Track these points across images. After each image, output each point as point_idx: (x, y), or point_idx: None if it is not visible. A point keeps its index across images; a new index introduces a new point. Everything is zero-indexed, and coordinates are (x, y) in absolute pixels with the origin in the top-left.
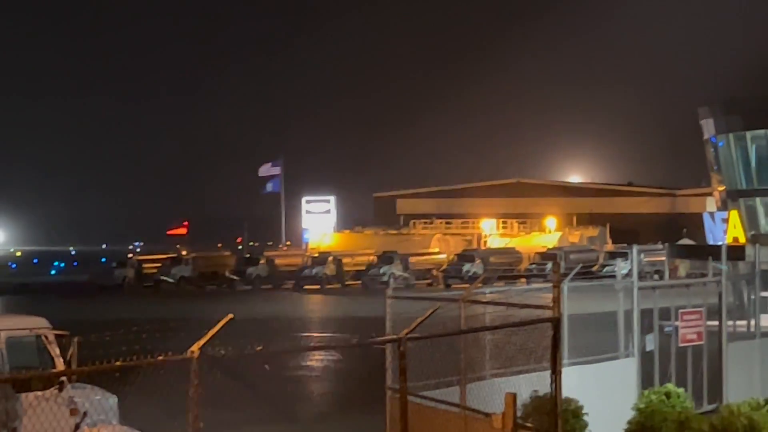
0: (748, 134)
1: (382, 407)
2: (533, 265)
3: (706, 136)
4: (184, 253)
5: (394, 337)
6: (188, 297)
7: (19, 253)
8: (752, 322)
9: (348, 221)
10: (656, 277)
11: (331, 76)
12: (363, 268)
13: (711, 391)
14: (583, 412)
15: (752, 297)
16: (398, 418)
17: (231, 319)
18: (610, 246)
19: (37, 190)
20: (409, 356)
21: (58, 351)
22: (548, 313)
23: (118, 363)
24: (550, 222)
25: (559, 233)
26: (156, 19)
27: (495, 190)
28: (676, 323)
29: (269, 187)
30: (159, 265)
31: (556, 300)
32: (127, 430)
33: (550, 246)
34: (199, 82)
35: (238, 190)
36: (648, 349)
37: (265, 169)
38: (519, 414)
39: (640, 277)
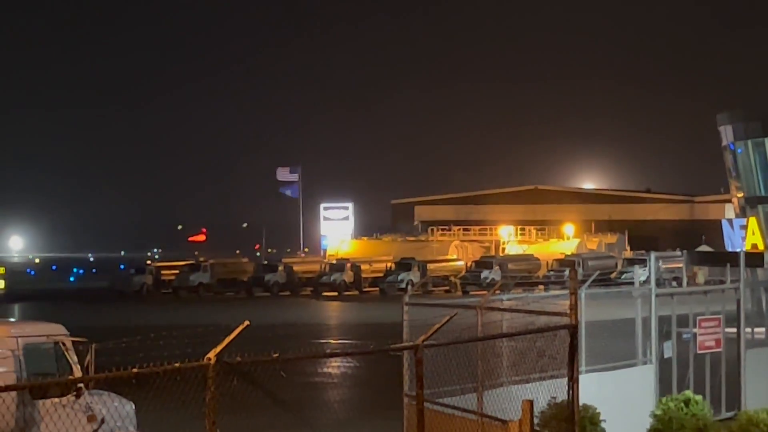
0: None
1: (399, 414)
2: (551, 272)
3: (724, 143)
4: (202, 259)
5: (411, 344)
6: (206, 303)
7: (38, 260)
8: None
9: (366, 228)
10: (674, 284)
11: (351, 83)
12: (381, 274)
13: (729, 398)
14: (601, 419)
15: None
16: (415, 424)
17: (247, 325)
18: (628, 253)
19: (56, 197)
20: (426, 363)
21: (75, 358)
22: (566, 320)
23: (135, 370)
24: (568, 229)
25: (578, 240)
26: (175, 25)
27: (513, 197)
28: (695, 330)
29: (288, 191)
30: (177, 271)
31: (574, 307)
32: None
33: (569, 253)
34: (218, 89)
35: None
36: (666, 356)
37: (283, 173)
38: (536, 421)
39: (658, 284)
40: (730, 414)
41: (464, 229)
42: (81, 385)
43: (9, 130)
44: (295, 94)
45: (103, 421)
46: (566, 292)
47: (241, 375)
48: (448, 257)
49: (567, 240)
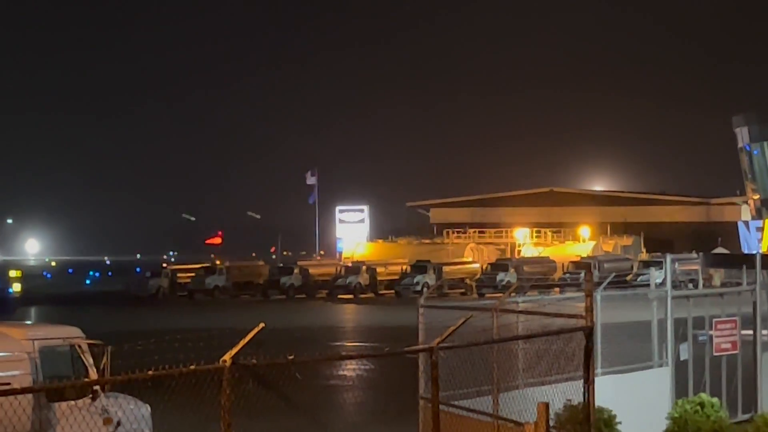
0: None
1: (414, 416)
2: (567, 274)
3: (740, 145)
4: (218, 262)
5: (427, 346)
6: (222, 306)
7: (54, 263)
8: None
9: (381, 231)
10: (690, 286)
11: (366, 86)
12: (396, 277)
13: (745, 400)
14: (617, 421)
15: None
16: (431, 427)
17: (263, 328)
18: (644, 255)
19: (72, 200)
20: (442, 365)
21: (91, 360)
22: (581, 323)
23: (150, 372)
24: (584, 231)
25: (593, 242)
26: (194, 27)
27: (528, 199)
28: (711, 332)
29: (312, 198)
30: (193, 274)
31: (589, 309)
32: None
33: (584, 255)
34: (233, 92)
35: (273, 199)
36: (682, 358)
37: (310, 179)
38: (552, 423)
39: (674, 286)
40: (746, 416)
41: (480, 232)
42: (97, 387)
43: (25, 133)
44: (311, 96)
45: (119, 423)
46: (582, 294)
47: (256, 377)
48: (464, 260)
49: (582, 242)
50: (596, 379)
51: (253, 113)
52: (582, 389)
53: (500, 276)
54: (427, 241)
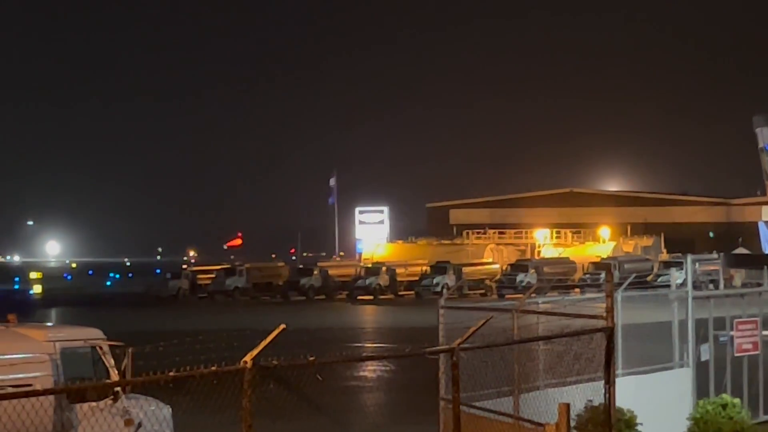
0: None
1: (435, 417)
2: (587, 275)
3: (761, 145)
4: (238, 264)
5: (447, 347)
6: (242, 308)
7: (74, 265)
8: None
9: (401, 231)
10: (711, 286)
11: (384, 87)
12: (416, 278)
13: (767, 401)
14: (638, 422)
15: None
16: (451, 428)
17: (284, 329)
18: (664, 255)
19: (92, 202)
20: (462, 366)
21: (112, 362)
22: (602, 323)
23: (172, 374)
24: (604, 231)
25: (614, 243)
26: (216, 30)
27: (548, 200)
28: (732, 333)
29: (331, 201)
30: (213, 276)
31: (610, 310)
32: None
33: (604, 256)
34: (252, 93)
35: (293, 200)
36: (703, 359)
37: (332, 181)
38: (573, 424)
39: (695, 287)
40: (767, 417)
41: (500, 233)
42: (118, 389)
43: (45, 136)
44: (331, 98)
45: (140, 425)
46: (602, 295)
47: (277, 379)
48: (484, 260)
49: (603, 243)
50: (617, 379)
51: (274, 115)
52: (603, 390)
53: (520, 277)
54: (447, 241)
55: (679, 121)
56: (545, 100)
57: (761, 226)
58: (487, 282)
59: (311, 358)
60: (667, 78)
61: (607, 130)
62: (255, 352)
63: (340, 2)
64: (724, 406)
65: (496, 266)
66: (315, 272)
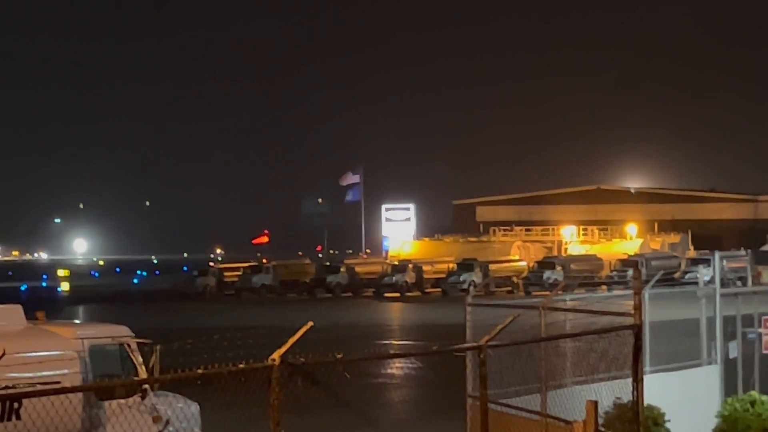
0: None
1: (462, 414)
2: (614, 272)
3: None
4: (264, 261)
5: (475, 344)
6: (269, 305)
7: (102, 262)
8: None
9: (428, 229)
10: (739, 283)
11: (410, 84)
12: (443, 275)
13: None
14: (665, 419)
15: None
16: (479, 425)
17: (311, 326)
18: (692, 252)
19: (119, 199)
20: (490, 364)
21: (140, 359)
22: (629, 321)
23: (199, 371)
24: (631, 228)
25: (641, 240)
26: (244, 31)
27: (575, 197)
28: (760, 330)
29: (350, 195)
30: (240, 273)
31: (637, 307)
32: None
33: (631, 253)
34: (279, 90)
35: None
36: (731, 356)
37: (347, 178)
38: (600, 422)
39: (723, 284)
40: None
41: (526, 230)
42: (146, 386)
43: (71, 134)
44: (357, 96)
45: (168, 422)
46: (630, 292)
47: (304, 376)
48: (511, 258)
49: (630, 240)
50: (645, 377)
51: (300, 112)
52: (630, 387)
53: (547, 274)
54: (474, 239)
55: (707, 118)
56: (572, 96)
57: None
58: (514, 279)
59: (338, 356)
60: (696, 74)
61: (635, 126)
62: (283, 349)
63: None
64: (753, 404)
65: (523, 263)
66: (342, 270)
